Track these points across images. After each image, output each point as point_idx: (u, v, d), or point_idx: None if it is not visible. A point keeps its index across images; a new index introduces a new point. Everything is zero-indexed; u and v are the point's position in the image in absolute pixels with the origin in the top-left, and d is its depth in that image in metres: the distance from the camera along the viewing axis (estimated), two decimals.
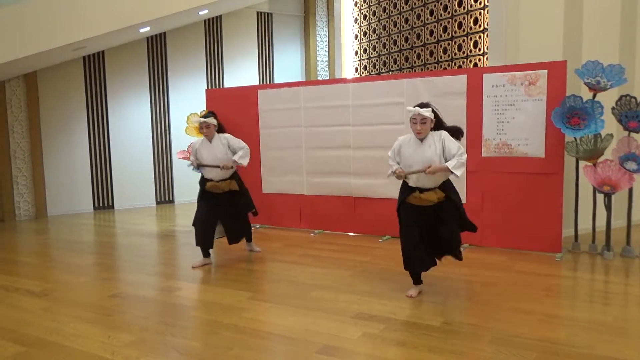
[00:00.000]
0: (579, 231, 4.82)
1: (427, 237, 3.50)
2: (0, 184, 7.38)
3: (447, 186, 3.47)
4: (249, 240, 4.93)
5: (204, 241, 4.54)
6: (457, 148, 3.36)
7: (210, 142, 4.54)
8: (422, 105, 3.38)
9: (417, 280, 3.63)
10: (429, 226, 3.49)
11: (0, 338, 3.03)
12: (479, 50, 5.79)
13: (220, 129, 4.64)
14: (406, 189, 3.52)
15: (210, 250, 4.64)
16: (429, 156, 3.37)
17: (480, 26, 5.75)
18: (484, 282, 3.89)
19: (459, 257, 3.59)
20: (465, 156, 3.36)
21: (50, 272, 4.63)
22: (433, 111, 3.39)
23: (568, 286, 3.89)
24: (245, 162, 4.56)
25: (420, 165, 3.38)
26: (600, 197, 4.67)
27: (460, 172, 3.32)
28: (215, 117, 4.61)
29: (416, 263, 3.53)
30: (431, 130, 3.43)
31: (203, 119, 4.50)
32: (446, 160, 3.36)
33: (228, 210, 4.58)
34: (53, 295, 3.85)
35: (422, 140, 3.42)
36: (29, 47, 5.59)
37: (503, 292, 3.65)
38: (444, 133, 3.42)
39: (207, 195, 4.57)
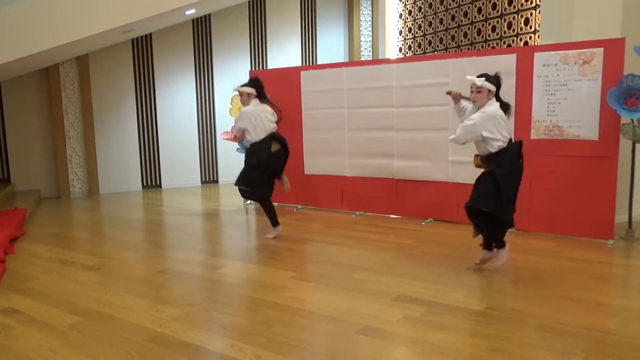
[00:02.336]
0: (634, 217, 4.60)
1: None
2: (55, 162, 7.75)
3: (489, 158, 3.50)
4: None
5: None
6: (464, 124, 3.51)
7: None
8: (483, 75, 3.46)
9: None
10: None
11: (59, 308, 3.21)
12: (530, 27, 5.56)
13: (260, 94, 4.70)
14: None
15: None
16: None
17: (532, 2, 5.51)
18: (531, 267, 3.79)
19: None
20: (467, 123, 3.47)
21: (103, 247, 4.85)
22: (497, 83, 3.46)
23: (620, 274, 3.74)
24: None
25: None
26: None
27: (455, 134, 3.50)
28: (254, 85, 4.66)
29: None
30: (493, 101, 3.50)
31: (237, 88, 4.70)
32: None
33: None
34: (105, 270, 4.04)
35: (478, 109, 3.50)
36: (81, 31, 5.77)
37: (551, 278, 3.55)
38: (491, 108, 3.46)
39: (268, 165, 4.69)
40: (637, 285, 3.54)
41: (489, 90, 3.43)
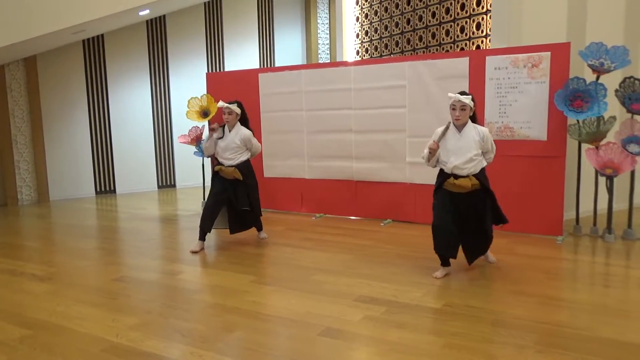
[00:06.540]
0: (581, 214, 4.82)
1: (458, 225, 3.55)
2: (2, 168, 7.40)
3: (483, 175, 3.55)
4: (259, 229, 4.92)
5: (204, 224, 4.55)
6: (492, 147, 3.59)
7: (230, 130, 4.54)
8: (463, 93, 3.45)
9: (445, 262, 3.66)
10: (461, 215, 3.56)
11: (6, 321, 3.07)
12: (482, 32, 5.73)
13: (244, 122, 4.61)
14: (443, 175, 3.59)
15: (211, 234, 4.65)
16: (466, 144, 3.46)
17: (483, 7, 5.68)
18: (484, 265, 3.90)
19: (484, 252, 3.79)
20: (492, 159, 3.67)
21: (54, 256, 4.66)
22: (472, 101, 3.47)
23: (569, 269, 3.91)
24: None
25: (458, 153, 3.47)
26: (602, 180, 4.66)
27: (492, 157, 3.66)
28: (242, 107, 4.58)
29: (444, 246, 3.57)
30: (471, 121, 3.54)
31: (227, 104, 4.48)
32: (482, 151, 3.55)
33: (232, 198, 4.56)
34: (57, 279, 3.89)
35: (459, 128, 3.49)
36: (28, 31, 5.55)
37: (504, 275, 3.67)
38: (486, 129, 3.55)
39: (217, 179, 4.60)
40: (585, 279, 3.70)
41: (470, 108, 3.45)
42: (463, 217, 3.57)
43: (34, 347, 2.72)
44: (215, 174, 4.62)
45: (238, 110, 4.53)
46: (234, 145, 4.51)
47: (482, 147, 3.50)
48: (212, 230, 4.65)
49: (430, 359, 2.45)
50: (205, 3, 8.83)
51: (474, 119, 3.57)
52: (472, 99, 3.46)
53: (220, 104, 4.54)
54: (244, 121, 4.63)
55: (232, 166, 4.51)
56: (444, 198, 3.59)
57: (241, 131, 4.54)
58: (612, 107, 4.55)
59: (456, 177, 3.51)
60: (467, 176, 3.49)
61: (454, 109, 3.45)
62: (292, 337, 2.80)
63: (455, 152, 3.48)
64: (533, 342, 2.59)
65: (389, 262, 4.06)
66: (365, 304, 3.16)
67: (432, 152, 3.52)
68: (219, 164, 4.59)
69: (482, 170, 3.57)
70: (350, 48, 7.96)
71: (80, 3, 5.68)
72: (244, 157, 4.57)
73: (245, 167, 4.58)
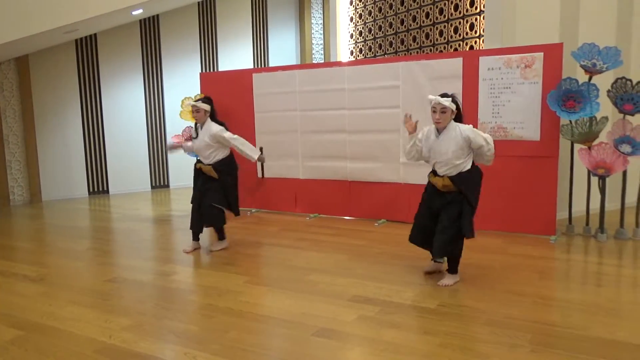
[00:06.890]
0: (573, 214, 4.85)
1: (434, 221, 3.52)
2: None
3: (462, 178, 3.38)
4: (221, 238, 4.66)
5: (192, 225, 4.53)
6: (486, 141, 3.35)
7: (202, 127, 4.46)
8: (444, 95, 3.34)
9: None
10: (432, 211, 3.51)
11: None
12: (475, 32, 5.75)
13: (213, 116, 4.48)
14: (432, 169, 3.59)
15: (205, 235, 4.63)
16: (443, 147, 3.38)
17: (476, 8, 5.70)
18: (478, 265, 3.91)
19: (439, 253, 3.49)
20: (486, 135, 3.39)
21: (47, 257, 4.63)
22: (455, 102, 3.35)
23: (562, 268, 3.92)
24: (253, 155, 4.55)
25: (438, 155, 3.41)
26: (594, 180, 4.69)
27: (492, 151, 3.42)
28: (210, 103, 4.47)
29: (413, 236, 3.63)
30: (455, 122, 3.40)
31: (194, 103, 4.42)
32: (473, 151, 3.41)
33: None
34: (50, 280, 3.86)
35: (440, 130, 3.40)
36: (19, 30, 5.51)
37: (498, 274, 3.68)
38: (468, 127, 3.37)
39: (198, 177, 4.55)
40: (578, 278, 3.72)
41: (452, 111, 3.34)
42: (435, 214, 3.51)
43: (25, 348, 2.70)
44: (197, 172, 4.55)
45: (206, 107, 4.39)
46: (204, 144, 4.41)
47: (472, 145, 3.35)
48: (206, 230, 4.64)
49: (424, 358, 2.46)
50: (199, 3, 8.80)
51: (459, 118, 3.44)
52: (454, 100, 3.34)
53: (188, 102, 4.46)
54: (213, 115, 4.50)
55: (209, 164, 4.45)
56: (426, 192, 3.61)
57: (210, 127, 4.39)
58: (605, 107, 4.58)
59: (435, 173, 3.50)
60: (442, 176, 3.43)
61: (434, 112, 3.35)
62: (286, 337, 2.79)
63: (435, 153, 3.44)
64: (527, 341, 2.60)
65: (383, 262, 4.06)
66: (359, 304, 3.16)
67: (406, 120, 3.47)
68: (199, 160, 4.54)
69: (462, 173, 3.38)
70: (344, 48, 7.96)
71: (72, 2, 5.64)
72: (220, 155, 4.43)
73: (222, 165, 4.44)
